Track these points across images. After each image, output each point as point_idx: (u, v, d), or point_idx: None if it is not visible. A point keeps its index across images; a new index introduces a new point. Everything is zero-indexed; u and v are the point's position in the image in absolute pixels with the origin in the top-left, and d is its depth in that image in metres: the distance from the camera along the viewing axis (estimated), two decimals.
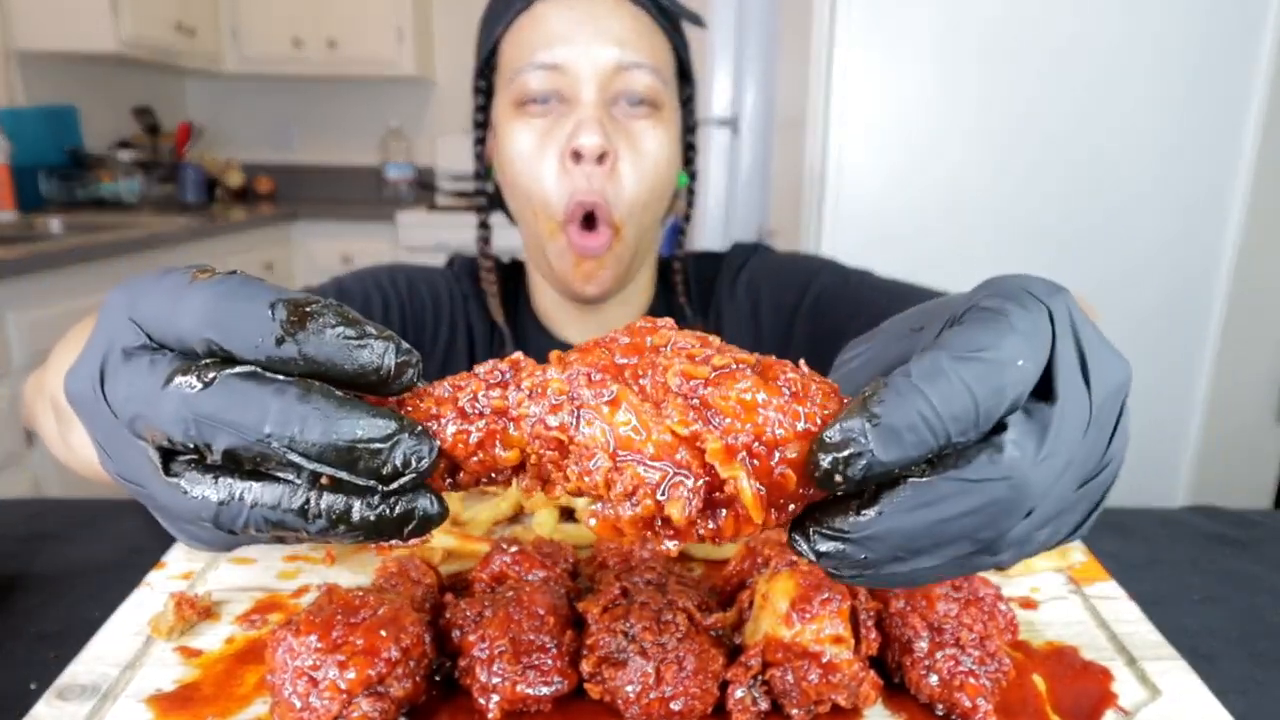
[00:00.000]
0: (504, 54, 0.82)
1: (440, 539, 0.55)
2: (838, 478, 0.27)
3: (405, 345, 0.30)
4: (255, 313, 0.29)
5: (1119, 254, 1.85)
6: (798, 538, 0.29)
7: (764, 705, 0.40)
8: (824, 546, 0.29)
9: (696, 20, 0.85)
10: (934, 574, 0.30)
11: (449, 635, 0.42)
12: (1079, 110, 1.77)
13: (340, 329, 0.29)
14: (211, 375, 0.29)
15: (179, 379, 0.29)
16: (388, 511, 0.29)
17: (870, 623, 0.42)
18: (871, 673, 0.41)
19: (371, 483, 0.29)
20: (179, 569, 0.54)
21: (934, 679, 0.41)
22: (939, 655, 0.41)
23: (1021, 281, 0.32)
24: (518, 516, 0.63)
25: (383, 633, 0.39)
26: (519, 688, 0.40)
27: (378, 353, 0.29)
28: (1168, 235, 1.84)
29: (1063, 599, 0.52)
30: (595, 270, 0.82)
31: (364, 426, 0.28)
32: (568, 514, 0.62)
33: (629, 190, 0.80)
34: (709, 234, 2.78)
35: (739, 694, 0.40)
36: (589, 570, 0.51)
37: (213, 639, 0.47)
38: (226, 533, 0.30)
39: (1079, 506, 0.32)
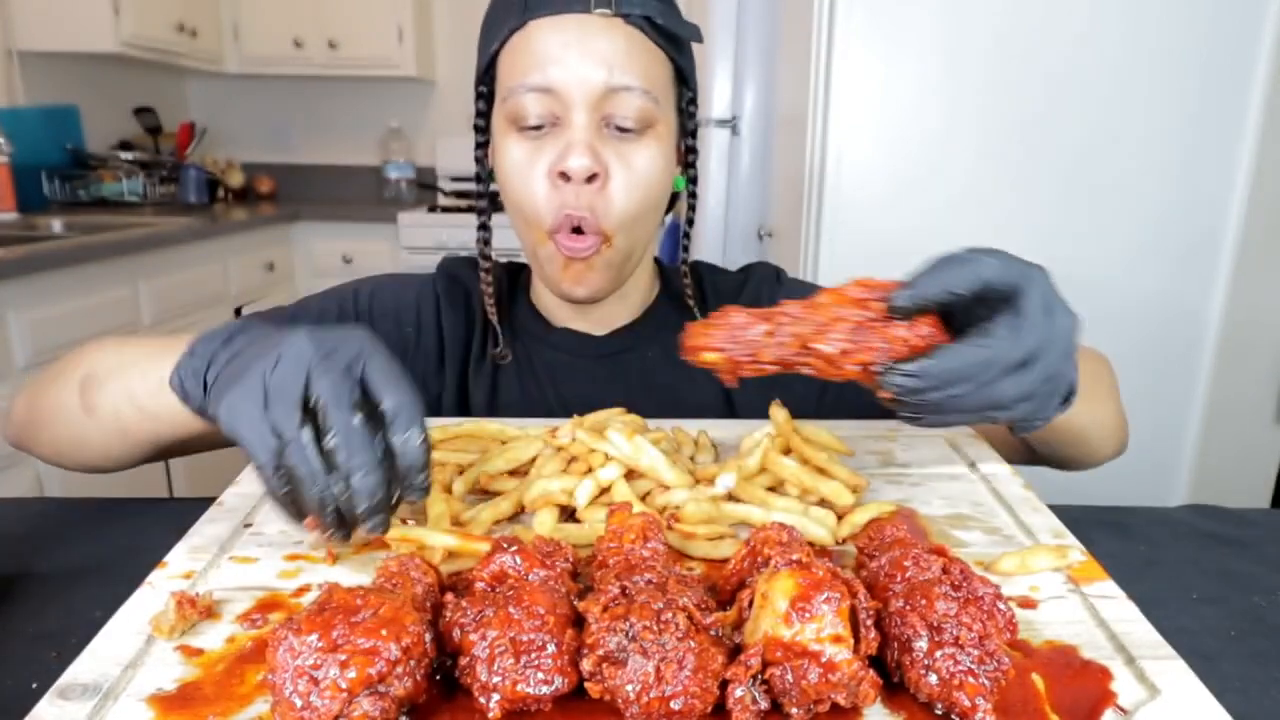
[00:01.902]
0: (500, 68, 0.84)
1: (440, 538, 0.55)
2: (898, 300, 0.53)
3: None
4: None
5: (1119, 252, 1.85)
6: (885, 380, 0.51)
7: (764, 704, 0.40)
8: (899, 379, 0.51)
9: (693, 37, 0.86)
10: (960, 415, 0.54)
11: (449, 634, 0.43)
12: (1079, 109, 1.77)
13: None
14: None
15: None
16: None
17: (870, 622, 0.42)
18: (871, 672, 0.41)
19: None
20: (180, 568, 0.54)
21: (933, 678, 0.41)
22: (938, 654, 0.41)
23: (1017, 257, 0.55)
24: (518, 516, 0.63)
25: (383, 632, 0.39)
26: (519, 687, 0.40)
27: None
28: (1168, 234, 1.84)
29: (1062, 598, 0.52)
30: (584, 273, 0.84)
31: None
32: (568, 514, 0.62)
33: (619, 206, 0.81)
34: (709, 234, 2.78)
35: (739, 693, 0.40)
36: (589, 570, 0.51)
37: (214, 638, 0.47)
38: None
39: (1051, 397, 0.56)
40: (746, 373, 0.54)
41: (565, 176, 0.79)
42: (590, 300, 0.87)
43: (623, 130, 0.81)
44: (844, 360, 0.52)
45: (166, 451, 0.77)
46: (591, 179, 0.79)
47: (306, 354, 0.51)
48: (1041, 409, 0.56)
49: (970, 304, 0.53)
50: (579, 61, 0.78)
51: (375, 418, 0.51)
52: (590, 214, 0.80)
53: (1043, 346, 0.52)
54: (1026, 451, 0.85)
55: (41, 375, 0.80)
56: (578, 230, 0.81)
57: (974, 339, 0.52)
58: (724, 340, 0.54)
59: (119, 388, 0.70)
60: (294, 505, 0.51)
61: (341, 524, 0.50)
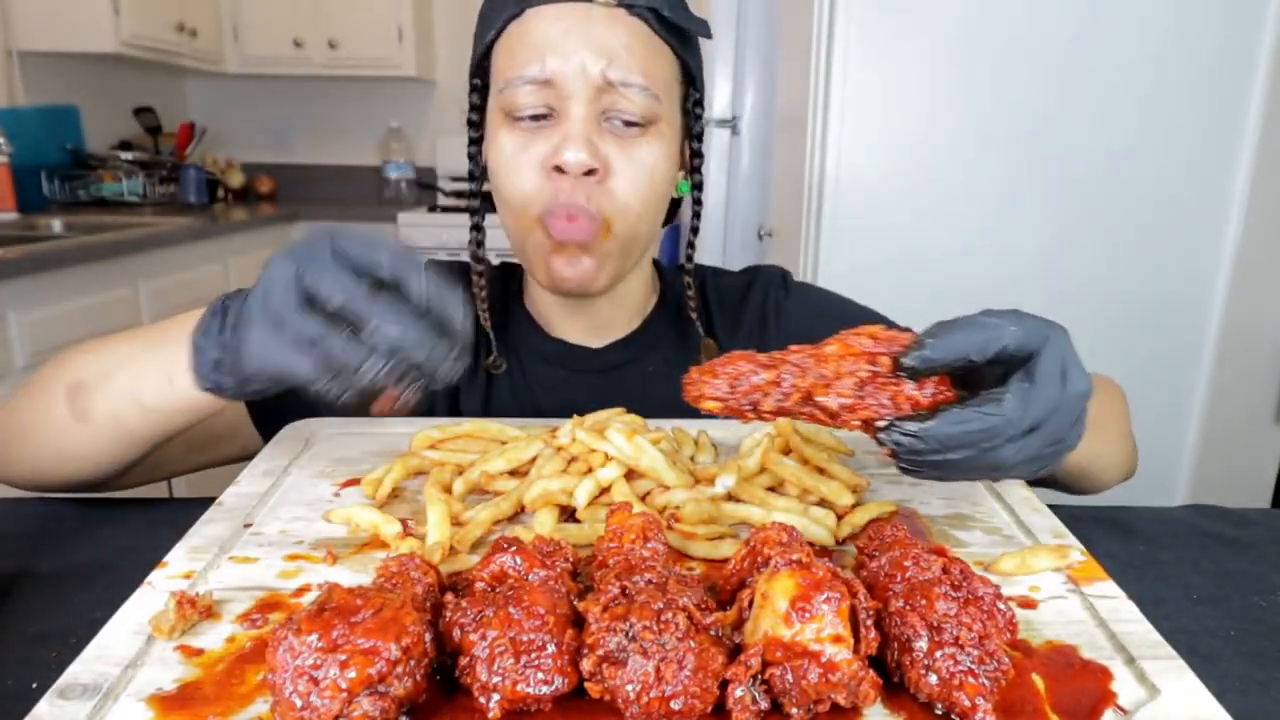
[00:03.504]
0: (496, 60, 0.81)
1: (439, 536, 0.55)
2: (908, 361, 0.50)
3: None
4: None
5: (1119, 252, 1.85)
6: (884, 437, 0.50)
7: (764, 704, 0.40)
8: (899, 438, 0.50)
9: (702, 31, 0.82)
10: (957, 473, 0.51)
11: (449, 634, 0.43)
12: (1079, 109, 1.77)
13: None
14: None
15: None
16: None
17: (870, 622, 0.42)
18: (871, 672, 0.41)
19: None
20: (180, 568, 0.54)
21: (933, 678, 0.41)
22: (938, 654, 0.41)
23: (1037, 316, 0.52)
24: (518, 516, 0.63)
25: (383, 632, 0.39)
26: (519, 687, 0.40)
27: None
28: (1168, 235, 1.84)
29: (1062, 598, 0.52)
30: (577, 255, 0.80)
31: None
32: (568, 514, 0.62)
33: (621, 200, 0.78)
34: (709, 234, 2.78)
35: (739, 693, 0.40)
36: (589, 570, 0.51)
37: (214, 638, 0.47)
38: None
39: (1055, 458, 0.53)
40: (748, 420, 0.54)
41: (560, 170, 0.76)
42: (581, 292, 0.83)
43: (625, 124, 0.77)
44: (847, 415, 0.51)
45: (161, 447, 0.74)
46: (590, 174, 0.76)
47: (286, 267, 0.51)
48: (1045, 466, 0.54)
49: (990, 363, 0.51)
50: (578, 52, 0.75)
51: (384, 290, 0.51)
52: (586, 202, 0.77)
53: (1052, 412, 0.50)
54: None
55: (12, 396, 0.77)
56: (572, 218, 0.78)
57: (983, 405, 0.49)
58: (725, 388, 0.53)
59: (116, 392, 0.67)
60: (363, 399, 0.51)
61: (409, 375, 0.50)
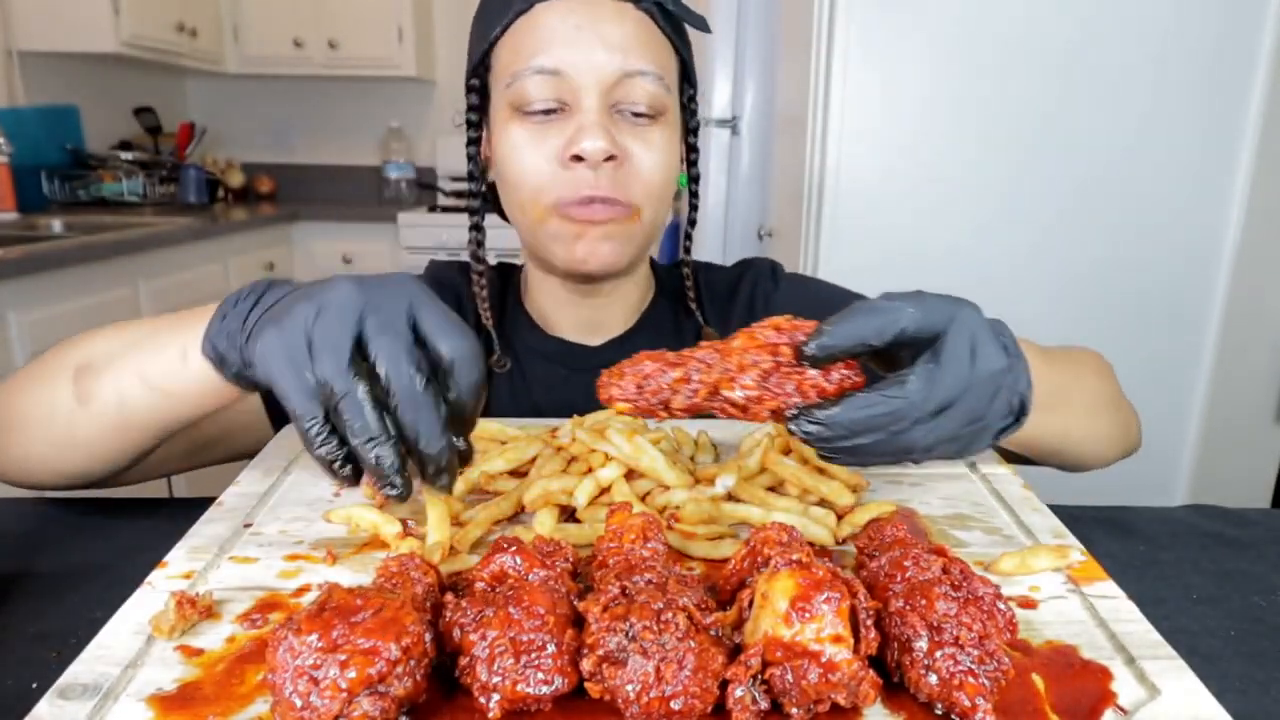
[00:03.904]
0: (501, 57, 0.81)
1: (439, 536, 0.55)
2: (808, 349, 0.50)
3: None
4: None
5: (1119, 252, 1.85)
6: (794, 427, 0.50)
7: (764, 704, 0.40)
8: (808, 427, 0.50)
9: (702, 25, 0.84)
10: (873, 457, 0.51)
11: (449, 634, 0.43)
12: (1078, 109, 1.77)
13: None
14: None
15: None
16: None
17: (870, 622, 0.42)
18: (871, 672, 0.41)
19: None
20: (180, 568, 0.54)
21: (933, 678, 0.41)
22: (938, 654, 0.41)
23: (944, 295, 0.52)
24: (518, 516, 0.63)
25: (383, 632, 0.39)
26: (519, 687, 0.40)
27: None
28: (1168, 235, 1.84)
29: (1062, 598, 0.52)
30: (601, 238, 0.80)
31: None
32: (568, 514, 0.62)
33: (645, 184, 0.80)
34: (709, 234, 2.78)
35: (739, 693, 0.40)
36: (589, 570, 0.51)
37: (214, 638, 0.47)
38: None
39: (978, 436, 0.53)
40: (661, 419, 0.54)
41: (578, 159, 0.76)
42: (604, 273, 0.83)
43: (636, 115, 0.79)
44: (755, 407, 0.52)
45: (163, 440, 0.71)
46: (609, 160, 0.77)
47: (353, 305, 0.49)
48: (970, 446, 0.54)
49: (892, 346, 0.51)
50: (590, 45, 0.76)
51: (429, 363, 0.50)
52: (613, 191, 0.77)
53: (963, 391, 0.50)
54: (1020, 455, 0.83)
55: (10, 379, 0.74)
56: (597, 204, 0.78)
57: (886, 389, 0.49)
58: (633, 389, 0.53)
59: (126, 370, 0.64)
60: (334, 461, 0.49)
61: (399, 484, 0.49)
